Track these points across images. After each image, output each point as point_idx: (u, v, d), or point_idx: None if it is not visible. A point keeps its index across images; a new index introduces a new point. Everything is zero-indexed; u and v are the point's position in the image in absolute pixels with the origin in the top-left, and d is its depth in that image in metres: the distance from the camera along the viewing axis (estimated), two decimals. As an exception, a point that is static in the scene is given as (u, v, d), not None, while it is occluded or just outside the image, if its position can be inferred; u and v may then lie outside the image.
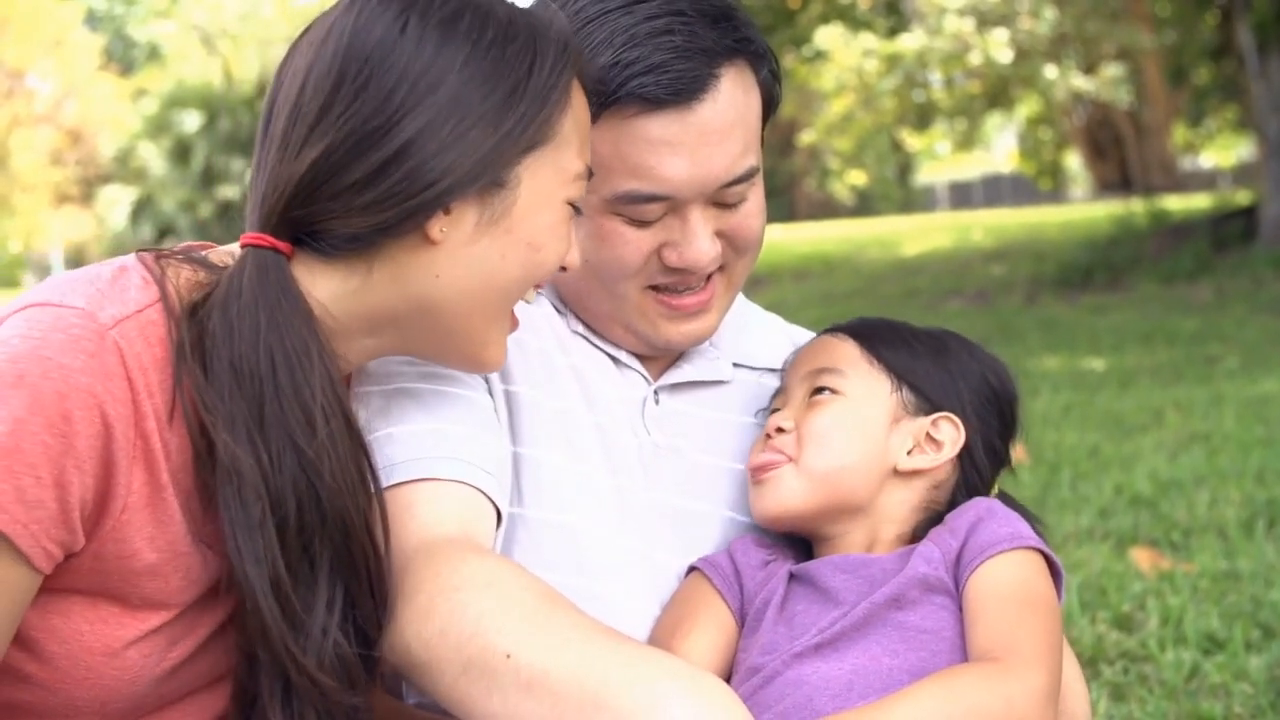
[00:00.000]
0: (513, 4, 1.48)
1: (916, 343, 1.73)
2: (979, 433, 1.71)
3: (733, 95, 1.62)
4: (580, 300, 1.77)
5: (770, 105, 1.71)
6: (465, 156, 1.39)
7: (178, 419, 1.37)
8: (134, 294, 1.38)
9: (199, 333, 1.39)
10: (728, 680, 1.58)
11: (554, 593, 1.40)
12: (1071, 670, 1.69)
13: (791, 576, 1.64)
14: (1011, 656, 1.45)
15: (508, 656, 1.31)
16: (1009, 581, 1.53)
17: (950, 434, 1.68)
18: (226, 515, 1.37)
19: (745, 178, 1.66)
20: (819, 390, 1.69)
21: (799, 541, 1.75)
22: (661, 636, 1.64)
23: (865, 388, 1.69)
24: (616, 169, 1.61)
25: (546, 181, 1.46)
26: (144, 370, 1.35)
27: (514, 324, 1.55)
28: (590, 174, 1.54)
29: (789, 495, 1.65)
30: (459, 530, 1.50)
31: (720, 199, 1.66)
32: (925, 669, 1.49)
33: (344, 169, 1.38)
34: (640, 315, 1.73)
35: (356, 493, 1.42)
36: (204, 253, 1.50)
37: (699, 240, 1.65)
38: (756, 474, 1.68)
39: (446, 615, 1.37)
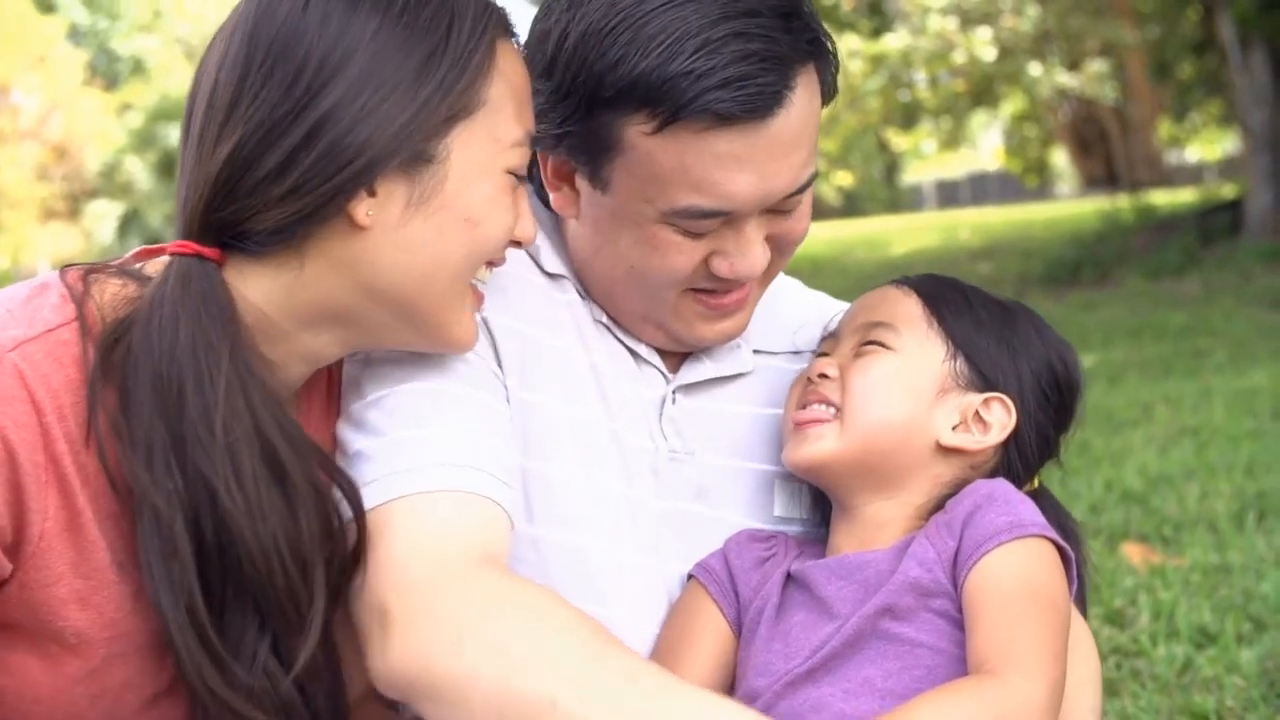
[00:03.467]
0: None
1: (984, 312, 1.63)
2: (1032, 419, 1.62)
3: (803, 105, 1.52)
4: (611, 298, 1.69)
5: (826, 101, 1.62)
6: (382, 130, 1.32)
7: (93, 444, 1.31)
8: (46, 314, 1.33)
9: (125, 350, 1.32)
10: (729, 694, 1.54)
11: (601, 629, 1.33)
12: (1085, 661, 1.59)
13: (788, 578, 1.59)
14: (1009, 667, 1.37)
15: (553, 704, 1.25)
16: (1008, 578, 1.43)
17: (1000, 417, 1.59)
18: (141, 544, 1.31)
19: (806, 186, 1.59)
20: (869, 343, 1.61)
21: (817, 507, 1.70)
22: (663, 652, 1.60)
23: (917, 349, 1.60)
24: (678, 182, 1.51)
25: (480, 152, 1.39)
26: (53, 392, 1.30)
27: (478, 300, 1.49)
28: (533, 139, 1.46)
29: (827, 444, 1.58)
30: (481, 548, 1.41)
31: (778, 208, 1.58)
32: (920, 689, 1.42)
33: (257, 161, 1.31)
34: (676, 315, 1.66)
35: (267, 513, 1.33)
36: (143, 263, 1.44)
37: (753, 252, 1.58)
38: (800, 427, 1.61)
39: (479, 651, 1.30)
